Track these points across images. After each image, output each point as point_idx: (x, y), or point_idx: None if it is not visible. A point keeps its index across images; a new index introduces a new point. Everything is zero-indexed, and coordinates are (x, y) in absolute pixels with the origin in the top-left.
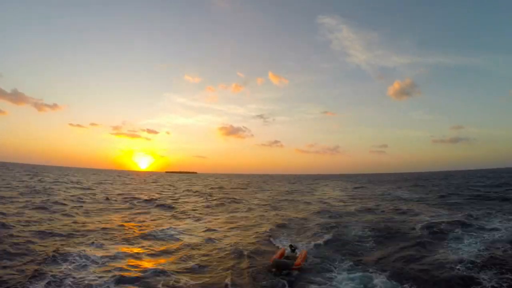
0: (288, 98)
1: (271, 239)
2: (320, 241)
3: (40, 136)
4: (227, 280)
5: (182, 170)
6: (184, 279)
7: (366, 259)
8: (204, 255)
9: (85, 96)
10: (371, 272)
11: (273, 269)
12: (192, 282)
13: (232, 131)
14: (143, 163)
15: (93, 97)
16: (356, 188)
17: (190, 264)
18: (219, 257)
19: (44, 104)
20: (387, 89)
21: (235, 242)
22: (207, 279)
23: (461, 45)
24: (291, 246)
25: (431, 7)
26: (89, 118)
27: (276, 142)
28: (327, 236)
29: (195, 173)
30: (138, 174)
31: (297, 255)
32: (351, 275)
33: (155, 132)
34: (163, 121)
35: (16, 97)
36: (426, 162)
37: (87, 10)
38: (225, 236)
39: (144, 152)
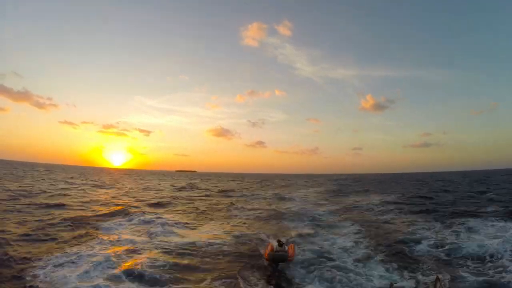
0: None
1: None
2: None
3: (33, 134)
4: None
5: (186, 169)
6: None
7: None
8: None
9: (79, 95)
10: None
11: (270, 262)
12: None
13: (222, 132)
14: (121, 160)
15: (85, 96)
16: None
17: None
18: None
19: (43, 102)
20: (359, 99)
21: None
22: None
23: (405, 59)
24: (278, 241)
25: (366, 26)
26: (81, 117)
27: (260, 142)
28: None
29: (195, 171)
30: (140, 172)
31: (286, 249)
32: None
33: (148, 132)
34: (157, 121)
35: (19, 95)
36: (397, 164)
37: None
38: None
39: (131, 150)
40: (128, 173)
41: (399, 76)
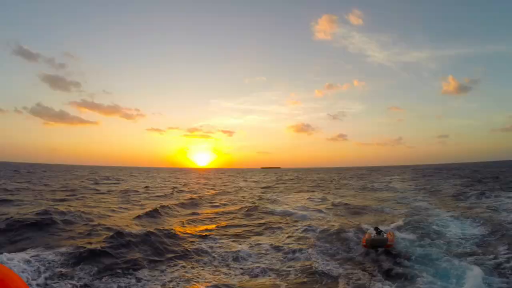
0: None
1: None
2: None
3: (125, 142)
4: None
5: (271, 166)
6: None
7: None
8: None
9: (163, 104)
10: None
11: (369, 247)
12: None
13: (302, 128)
14: (206, 160)
15: (169, 104)
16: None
17: None
18: None
19: (131, 114)
20: (441, 83)
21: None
22: None
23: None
24: (376, 228)
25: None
26: (166, 123)
27: (341, 135)
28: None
29: (279, 168)
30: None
31: (384, 236)
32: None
33: (230, 132)
34: (238, 122)
35: (110, 109)
36: (489, 151)
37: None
38: None
39: (215, 150)
40: (224, 172)
41: (481, 52)
